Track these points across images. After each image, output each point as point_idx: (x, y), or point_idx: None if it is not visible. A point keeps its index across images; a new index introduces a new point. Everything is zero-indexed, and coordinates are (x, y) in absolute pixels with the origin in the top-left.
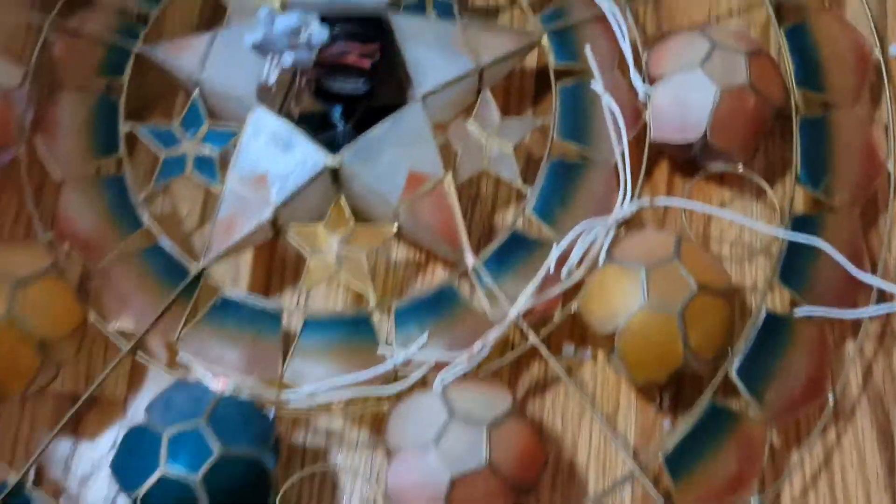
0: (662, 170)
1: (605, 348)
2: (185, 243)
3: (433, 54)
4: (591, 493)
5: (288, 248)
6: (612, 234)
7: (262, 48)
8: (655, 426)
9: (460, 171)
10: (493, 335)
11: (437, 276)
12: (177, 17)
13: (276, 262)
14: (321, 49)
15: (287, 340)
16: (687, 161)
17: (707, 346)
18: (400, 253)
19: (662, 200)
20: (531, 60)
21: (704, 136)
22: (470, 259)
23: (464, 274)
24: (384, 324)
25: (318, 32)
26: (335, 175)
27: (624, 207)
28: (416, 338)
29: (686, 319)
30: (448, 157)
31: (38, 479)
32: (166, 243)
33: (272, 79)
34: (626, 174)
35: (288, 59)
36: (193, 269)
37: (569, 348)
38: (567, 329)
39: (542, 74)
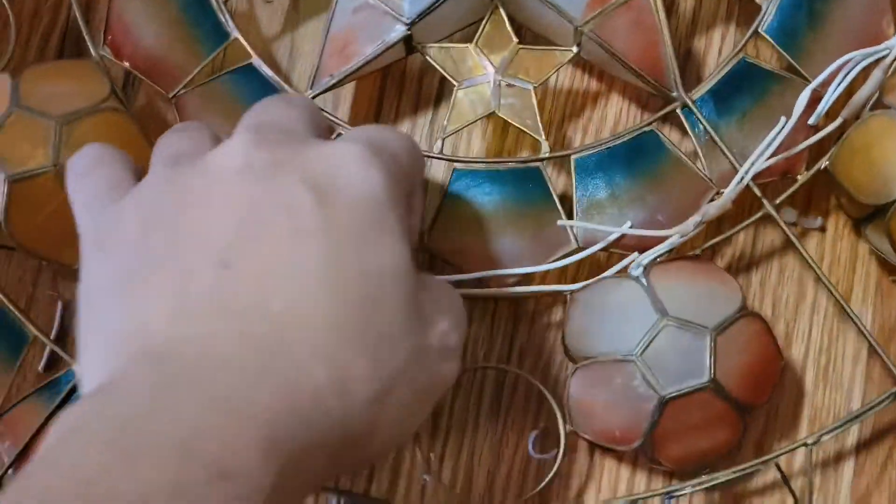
0: None
1: (852, 216)
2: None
3: None
4: (809, 408)
5: (412, 63)
6: (889, 68)
7: None
8: None
9: None
10: (717, 205)
11: (618, 109)
12: None
13: (392, 80)
14: None
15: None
16: None
17: None
18: (564, 73)
19: None
20: None
21: None
22: (681, 96)
23: (668, 116)
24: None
25: None
26: None
27: None
28: (603, 201)
29: None
30: None
31: None
32: (261, 64)
33: None
34: None
35: None
36: None
37: (790, 213)
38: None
39: None
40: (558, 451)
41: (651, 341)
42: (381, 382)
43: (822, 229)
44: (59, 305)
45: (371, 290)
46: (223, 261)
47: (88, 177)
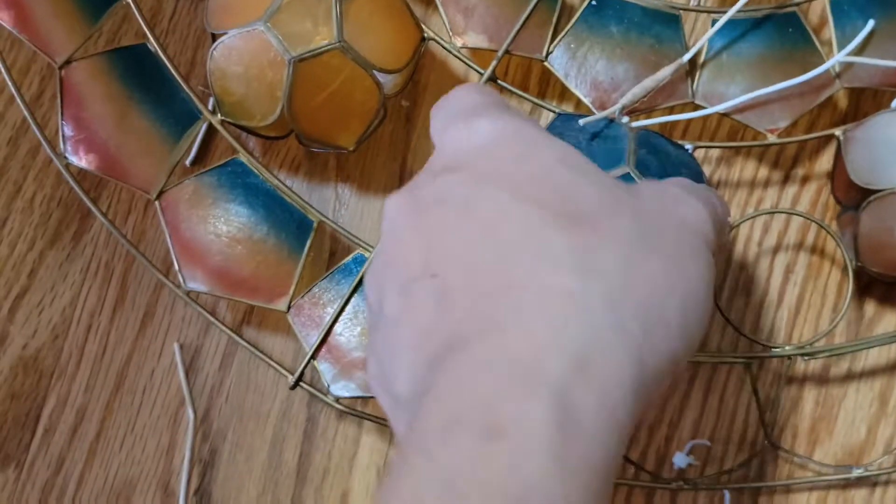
0: None
1: None
2: None
3: None
4: None
5: None
6: None
7: None
8: None
9: None
10: None
11: None
12: None
13: None
14: None
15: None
16: None
17: None
18: None
19: None
20: None
21: None
22: None
23: None
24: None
25: None
26: None
27: None
28: (863, 39)
29: None
30: None
31: None
32: None
33: None
34: None
35: None
36: None
37: None
38: None
39: None
40: (848, 288)
41: None
42: (620, 242)
43: None
44: None
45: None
46: (430, 273)
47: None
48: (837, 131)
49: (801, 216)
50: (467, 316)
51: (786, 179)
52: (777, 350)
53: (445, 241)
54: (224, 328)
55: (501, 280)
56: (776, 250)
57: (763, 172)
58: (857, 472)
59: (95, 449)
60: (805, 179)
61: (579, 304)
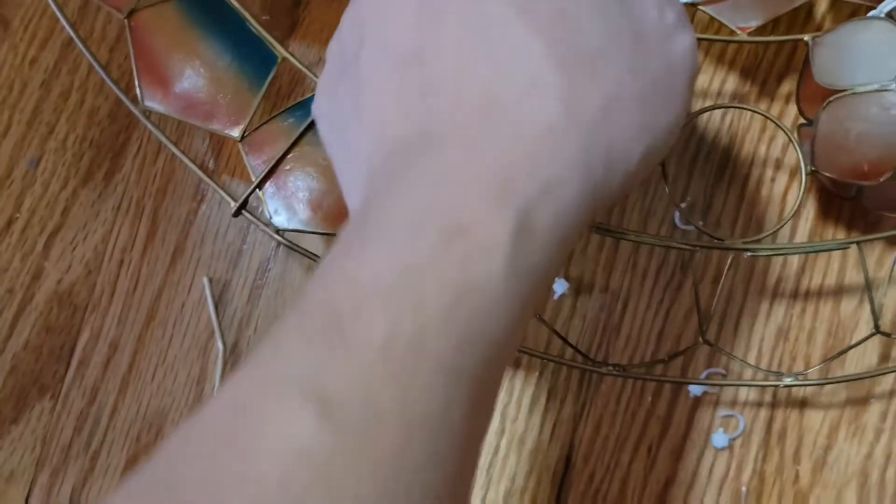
0: None
1: None
2: None
3: None
4: None
5: None
6: None
7: None
8: None
9: None
10: None
11: None
12: None
13: None
14: None
15: None
16: None
17: None
18: None
19: None
20: None
21: None
22: None
23: None
24: None
25: None
26: None
27: None
28: None
29: None
30: None
31: None
32: None
33: None
34: None
35: None
36: None
37: None
38: None
39: None
40: (800, 190)
41: None
42: (607, 89)
43: None
44: None
45: (556, 7)
46: (418, 60)
47: None
48: (807, 37)
49: (758, 113)
50: (449, 119)
51: (757, 87)
52: (724, 242)
53: (442, 33)
54: (178, 152)
55: (490, 97)
56: (734, 151)
57: (733, 76)
58: (787, 381)
59: (128, 380)
60: (774, 89)
61: (557, 138)
